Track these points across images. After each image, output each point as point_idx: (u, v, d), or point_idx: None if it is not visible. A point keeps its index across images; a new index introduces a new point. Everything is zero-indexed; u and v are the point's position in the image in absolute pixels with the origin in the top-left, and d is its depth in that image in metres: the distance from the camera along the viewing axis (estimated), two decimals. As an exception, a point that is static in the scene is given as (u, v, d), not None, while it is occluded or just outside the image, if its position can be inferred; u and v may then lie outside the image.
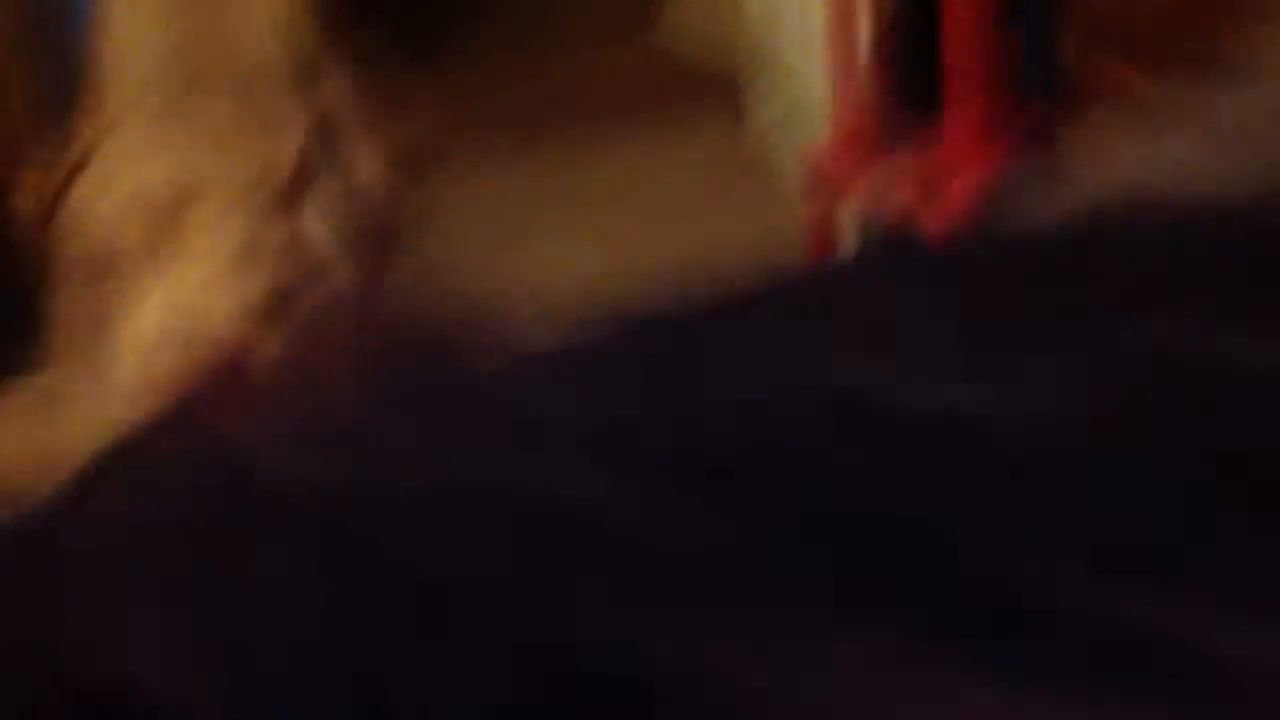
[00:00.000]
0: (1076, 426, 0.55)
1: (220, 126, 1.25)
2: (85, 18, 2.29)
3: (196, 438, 0.70)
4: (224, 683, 0.50)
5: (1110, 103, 1.74)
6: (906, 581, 0.52)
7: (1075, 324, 0.60)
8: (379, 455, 0.58)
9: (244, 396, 1.17)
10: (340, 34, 1.86)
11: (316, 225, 1.47)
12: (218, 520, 0.57)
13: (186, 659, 0.52)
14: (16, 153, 1.98)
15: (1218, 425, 0.56)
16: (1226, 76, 0.85)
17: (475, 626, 0.51)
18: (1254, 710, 0.49)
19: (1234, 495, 0.54)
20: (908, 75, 2.16)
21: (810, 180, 2.50)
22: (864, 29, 2.34)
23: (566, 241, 2.89)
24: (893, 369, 0.59)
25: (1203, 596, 0.51)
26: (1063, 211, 0.71)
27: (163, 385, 1.12)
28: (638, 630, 0.51)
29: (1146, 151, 0.81)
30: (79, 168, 1.24)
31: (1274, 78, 0.86)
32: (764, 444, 0.56)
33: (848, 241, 2.43)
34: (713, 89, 3.84)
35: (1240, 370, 0.57)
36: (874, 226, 2.26)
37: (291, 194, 1.27)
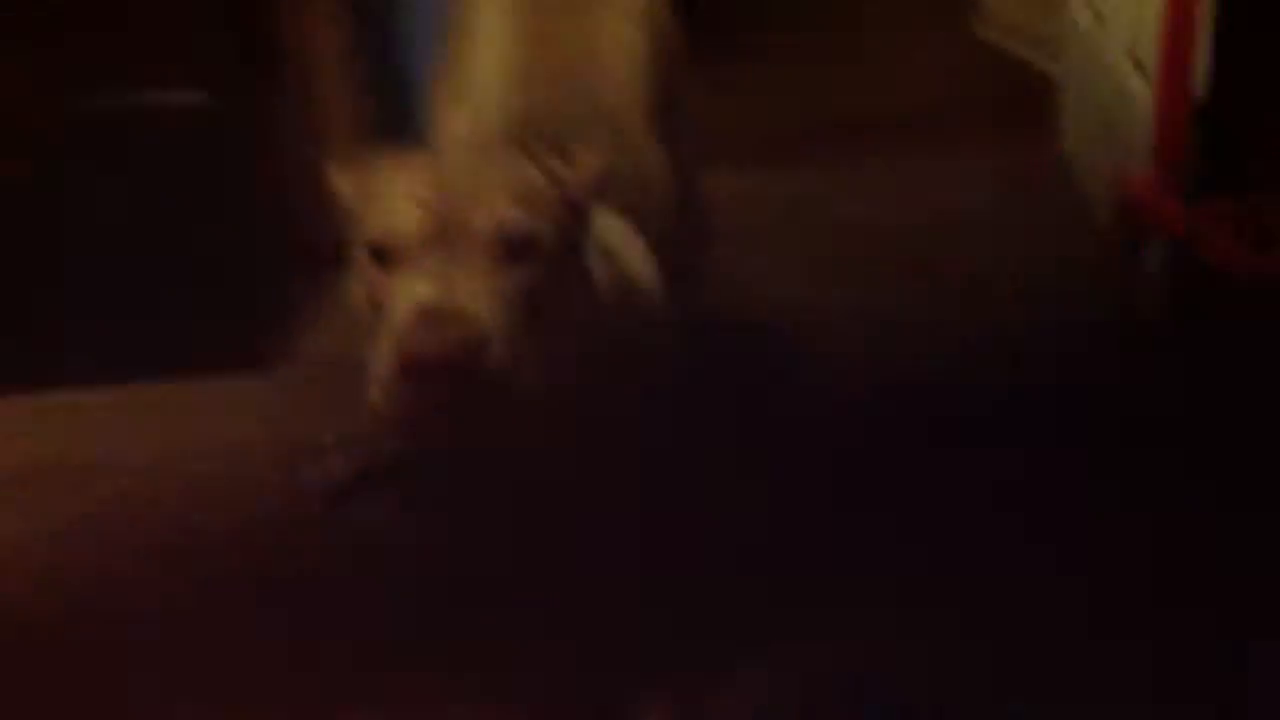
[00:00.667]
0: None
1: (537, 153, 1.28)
2: (410, 48, 2.46)
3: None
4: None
5: None
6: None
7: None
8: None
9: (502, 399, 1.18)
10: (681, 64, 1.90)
11: (621, 237, 1.49)
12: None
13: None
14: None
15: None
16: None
17: None
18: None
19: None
20: (1245, 116, 2.01)
21: (1119, 207, 2.36)
22: (1201, 52, 2.16)
23: (843, 242, 2.84)
24: None
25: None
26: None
27: (412, 369, 1.13)
28: None
29: None
30: (387, 168, 1.27)
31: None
32: None
33: (1150, 278, 2.30)
34: (1024, 88, 3.72)
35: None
36: (1183, 267, 2.13)
37: (587, 203, 1.29)
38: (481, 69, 1.70)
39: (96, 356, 2.35)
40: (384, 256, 1.21)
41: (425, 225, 1.19)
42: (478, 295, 1.17)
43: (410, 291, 1.17)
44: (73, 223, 2.28)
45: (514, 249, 1.20)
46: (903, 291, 2.60)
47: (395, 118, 2.19)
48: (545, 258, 1.22)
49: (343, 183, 1.33)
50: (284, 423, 2.25)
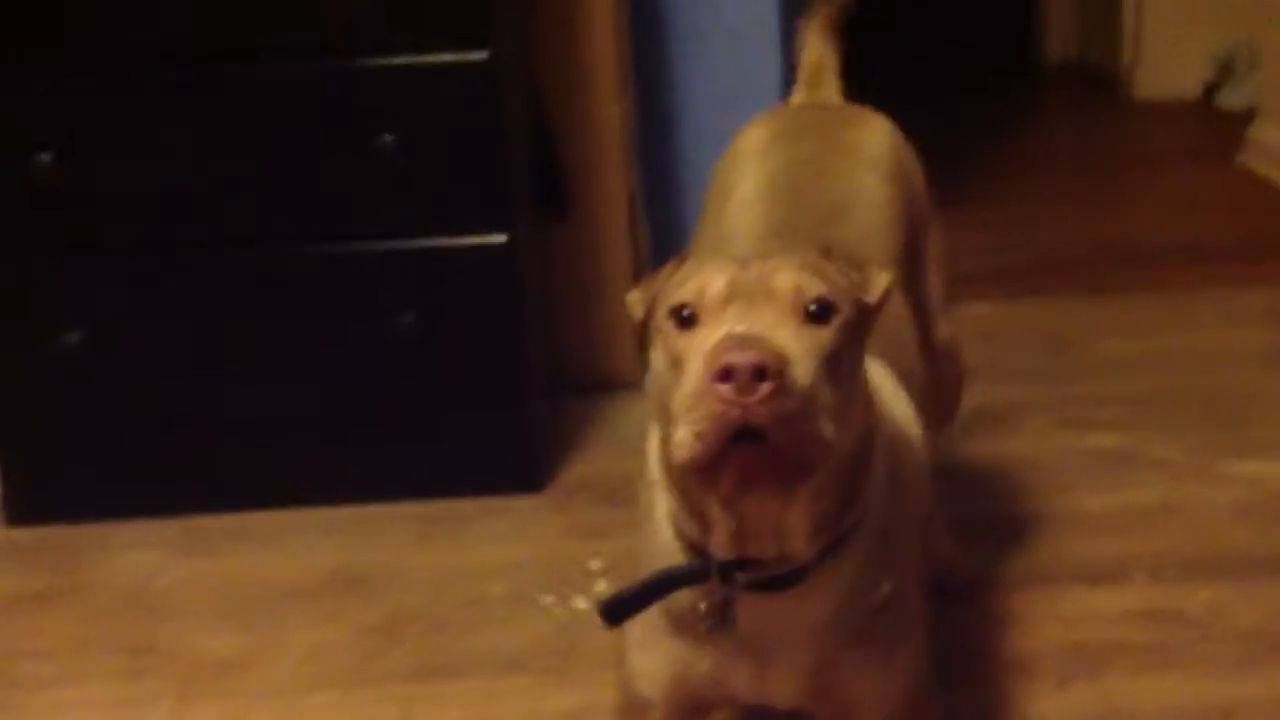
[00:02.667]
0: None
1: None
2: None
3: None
4: None
5: None
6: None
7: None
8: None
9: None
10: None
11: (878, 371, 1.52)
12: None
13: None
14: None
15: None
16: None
17: None
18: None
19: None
20: None
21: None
22: None
23: (1109, 379, 2.82)
24: None
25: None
26: None
27: (724, 374, 1.14)
28: None
29: None
30: (670, 275, 1.33)
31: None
32: None
33: None
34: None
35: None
36: None
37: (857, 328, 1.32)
38: (734, 225, 1.75)
39: (384, 473, 2.50)
40: (687, 319, 1.24)
41: (728, 286, 1.23)
42: (780, 333, 1.20)
43: (715, 334, 1.20)
44: (370, 346, 2.44)
45: (811, 313, 1.23)
46: (1168, 428, 2.59)
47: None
48: (841, 327, 1.24)
49: (635, 296, 1.36)
50: (555, 543, 2.34)
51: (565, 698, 1.93)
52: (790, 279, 1.24)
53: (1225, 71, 4.99)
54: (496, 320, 2.44)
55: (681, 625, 1.40)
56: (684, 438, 1.17)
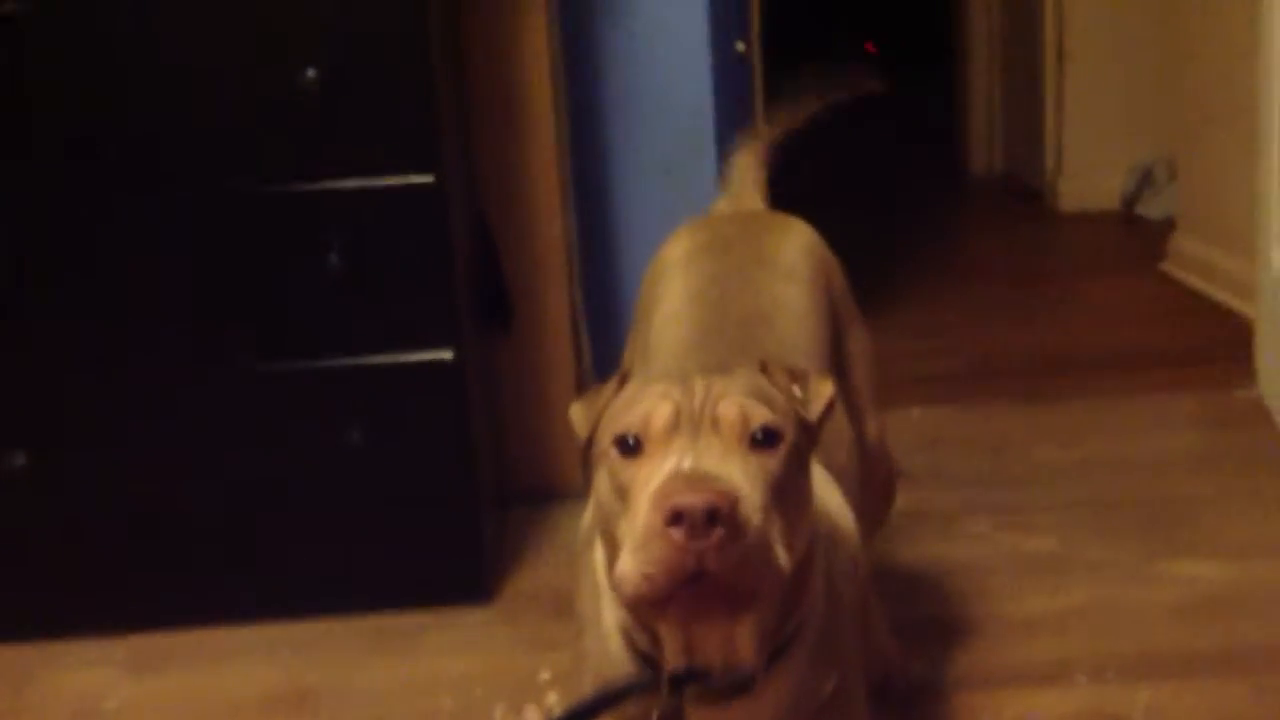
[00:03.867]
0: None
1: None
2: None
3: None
4: None
5: None
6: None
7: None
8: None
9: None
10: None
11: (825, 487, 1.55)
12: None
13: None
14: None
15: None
16: None
17: None
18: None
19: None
20: None
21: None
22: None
23: (1040, 485, 2.87)
24: None
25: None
26: None
27: (674, 516, 1.15)
28: None
29: None
30: (613, 394, 1.35)
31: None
32: None
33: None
34: (1218, 328, 3.74)
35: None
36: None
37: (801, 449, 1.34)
38: (661, 338, 1.79)
39: (334, 586, 2.50)
40: (632, 448, 1.24)
41: (673, 415, 1.23)
42: (728, 466, 1.20)
43: (662, 466, 1.20)
44: (316, 462, 2.46)
45: (757, 440, 1.23)
46: (1104, 531, 2.64)
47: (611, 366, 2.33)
48: (787, 453, 1.25)
49: (579, 413, 1.37)
50: (505, 654, 2.35)
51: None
52: (735, 407, 1.24)
53: (1144, 183, 5.14)
54: (445, 433, 2.46)
55: None
56: (632, 576, 1.18)
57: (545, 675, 2.25)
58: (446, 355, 2.43)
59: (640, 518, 1.19)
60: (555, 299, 2.86)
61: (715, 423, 1.24)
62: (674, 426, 1.24)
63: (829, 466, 1.60)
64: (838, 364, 1.87)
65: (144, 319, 2.41)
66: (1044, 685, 2.14)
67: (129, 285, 2.40)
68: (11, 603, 2.49)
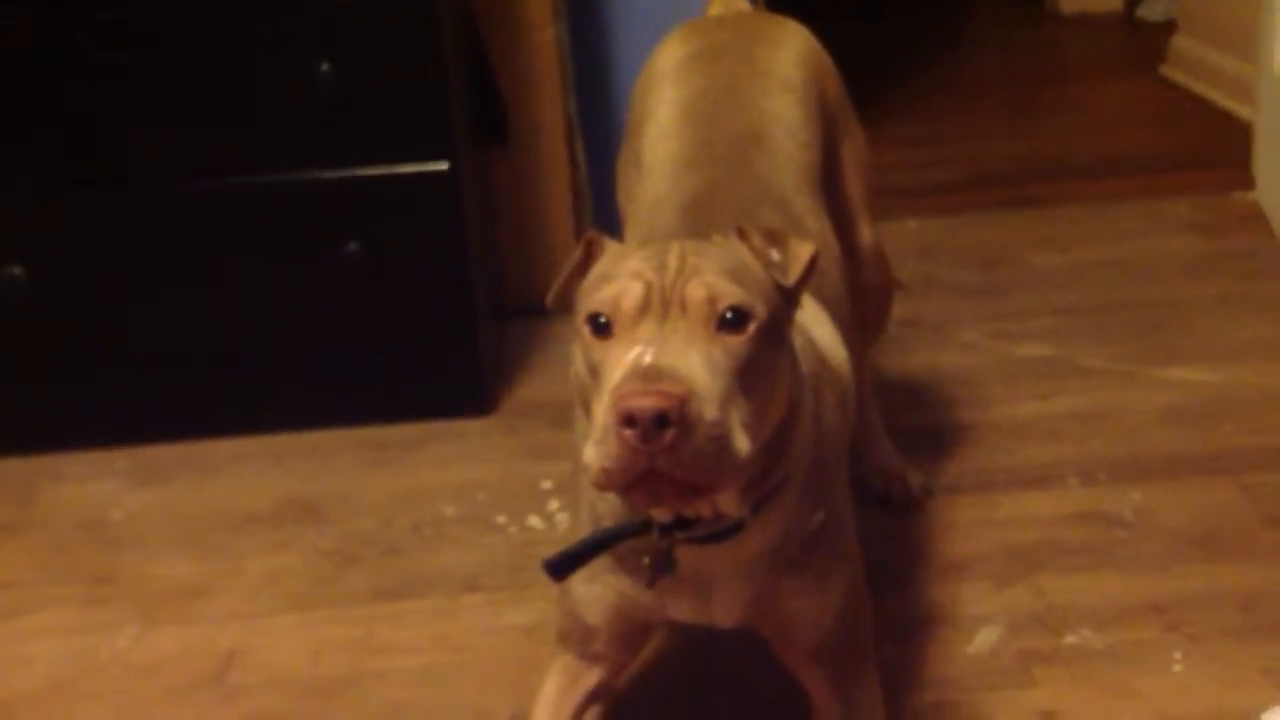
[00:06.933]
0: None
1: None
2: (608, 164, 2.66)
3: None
4: None
5: None
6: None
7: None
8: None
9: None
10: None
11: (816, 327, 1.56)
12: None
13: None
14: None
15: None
16: None
17: None
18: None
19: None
20: None
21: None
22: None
23: (1038, 290, 2.88)
24: None
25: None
26: None
27: (625, 420, 1.17)
28: None
29: None
30: (581, 259, 1.38)
31: None
32: None
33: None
34: (1216, 131, 3.72)
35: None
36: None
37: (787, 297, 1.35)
38: (652, 155, 1.78)
39: (334, 400, 2.53)
40: (603, 328, 1.27)
41: (643, 297, 1.25)
42: (689, 357, 1.21)
43: (626, 355, 1.23)
44: (315, 275, 2.46)
45: (726, 321, 1.24)
46: (1097, 337, 2.67)
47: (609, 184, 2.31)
48: (756, 333, 1.26)
49: (583, 250, 1.38)
50: (506, 464, 2.39)
51: (521, 614, 1.98)
52: (703, 289, 1.25)
53: (1146, -17, 5.06)
54: (442, 244, 2.46)
55: (624, 564, 1.46)
56: (594, 466, 1.21)
57: (546, 484, 2.29)
58: (442, 166, 2.42)
59: (601, 409, 1.22)
60: (549, 107, 2.84)
61: (683, 305, 1.25)
62: (644, 308, 1.25)
63: (820, 290, 1.60)
64: (831, 171, 1.86)
65: (141, 130, 2.39)
66: (1036, 488, 2.18)
67: (126, 97, 2.38)
68: (13, 416, 2.52)
